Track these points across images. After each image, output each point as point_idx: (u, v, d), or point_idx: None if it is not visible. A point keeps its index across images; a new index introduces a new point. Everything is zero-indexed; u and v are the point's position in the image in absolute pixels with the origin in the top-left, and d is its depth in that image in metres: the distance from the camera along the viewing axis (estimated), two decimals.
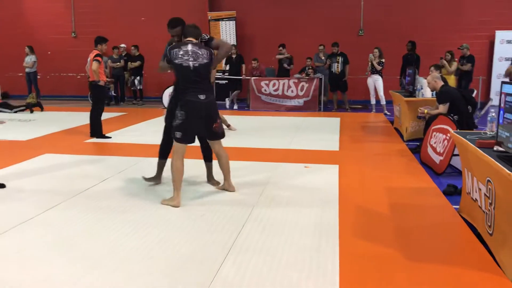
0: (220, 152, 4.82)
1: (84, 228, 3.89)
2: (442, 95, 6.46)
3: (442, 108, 6.34)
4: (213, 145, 4.83)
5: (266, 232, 3.80)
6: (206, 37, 4.81)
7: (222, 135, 4.81)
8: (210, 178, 5.26)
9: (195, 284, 2.94)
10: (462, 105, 6.32)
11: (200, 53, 4.49)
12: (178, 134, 4.47)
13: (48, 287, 2.90)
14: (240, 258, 3.31)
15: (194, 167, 5.47)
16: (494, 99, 9.92)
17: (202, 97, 4.45)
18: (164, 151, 5.08)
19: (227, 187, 4.94)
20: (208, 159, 5.21)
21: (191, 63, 4.44)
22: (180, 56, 4.44)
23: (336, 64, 11.98)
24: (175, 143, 4.52)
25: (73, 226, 3.93)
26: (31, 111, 11.67)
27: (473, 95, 7.93)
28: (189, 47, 4.48)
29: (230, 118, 10.50)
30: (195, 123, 4.50)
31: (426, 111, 6.77)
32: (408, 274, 3.10)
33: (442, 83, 6.68)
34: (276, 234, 3.76)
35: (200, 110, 4.47)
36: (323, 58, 12.54)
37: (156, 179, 5.20)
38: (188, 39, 4.56)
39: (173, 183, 4.47)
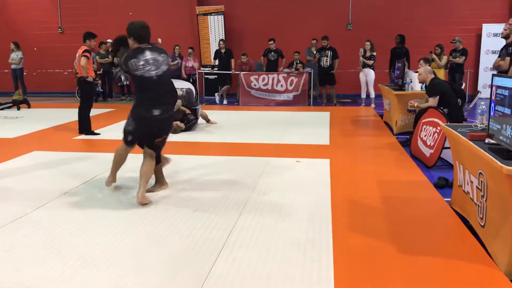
0: (146, 159, 4.47)
1: (74, 226, 3.85)
2: (432, 87, 6.49)
3: (432, 101, 6.36)
4: (146, 150, 4.51)
5: (259, 228, 3.79)
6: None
7: (158, 148, 4.54)
8: (158, 181, 4.81)
9: (189, 280, 2.92)
10: (452, 98, 6.36)
11: (161, 59, 4.22)
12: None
13: (41, 286, 2.87)
14: (234, 254, 3.29)
15: (186, 162, 5.43)
16: (482, 92, 9.99)
17: (156, 112, 4.26)
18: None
19: (139, 195, 4.37)
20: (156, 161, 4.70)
21: (153, 73, 4.20)
22: (141, 66, 4.17)
23: (325, 58, 11.97)
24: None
25: (63, 224, 3.88)
26: (18, 108, 11.52)
27: (462, 87, 7.98)
28: (148, 54, 4.21)
29: (219, 113, 10.48)
30: (142, 134, 4.45)
31: (416, 104, 6.79)
32: (402, 267, 3.12)
33: (433, 76, 6.71)
34: (270, 229, 3.76)
35: (150, 126, 4.36)
36: (314, 52, 12.52)
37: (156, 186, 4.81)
38: (144, 45, 4.25)
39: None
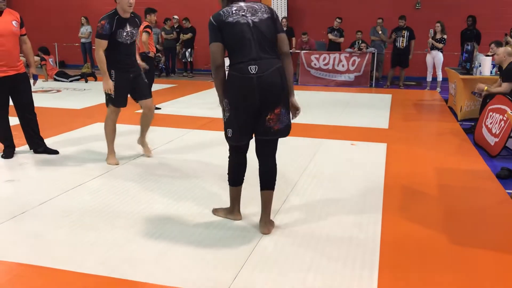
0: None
1: (128, 196, 4.00)
2: (509, 71, 6.07)
3: (506, 86, 5.96)
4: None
5: (306, 209, 3.77)
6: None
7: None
8: None
9: (233, 255, 2.96)
10: None
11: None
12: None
13: (96, 250, 3.02)
14: (279, 233, 3.30)
15: None
16: None
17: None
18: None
19: None
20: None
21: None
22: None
23: (401, 38, 11.53)
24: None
25: (117, 194, 4.05)
26: (86, 81, 12.05)
27: None
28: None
29: None
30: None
31: (486, 87, 6.41)
32: (452, 259, 2.99)
33: None
34: (317, 211, 3.72)
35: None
36: (380, 32, 12.09)
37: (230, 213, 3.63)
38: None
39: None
